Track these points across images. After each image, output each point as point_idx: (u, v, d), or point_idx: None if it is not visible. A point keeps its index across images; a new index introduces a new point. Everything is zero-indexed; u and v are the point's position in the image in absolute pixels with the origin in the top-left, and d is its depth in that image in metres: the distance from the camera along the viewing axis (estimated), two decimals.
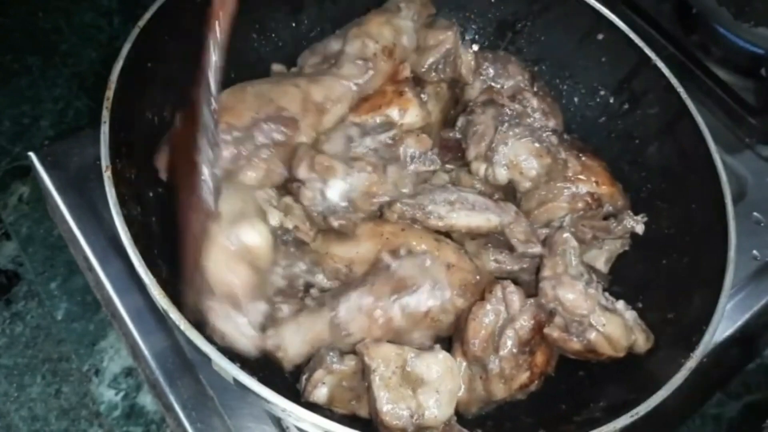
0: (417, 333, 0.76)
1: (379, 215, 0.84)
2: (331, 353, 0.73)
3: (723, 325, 0.92)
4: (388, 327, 0.75)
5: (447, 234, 0.83)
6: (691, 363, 0.70)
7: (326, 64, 0.89)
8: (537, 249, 0.82)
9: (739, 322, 0.97)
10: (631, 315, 0.78)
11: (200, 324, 0.66)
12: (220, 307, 0.68)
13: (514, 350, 0.73)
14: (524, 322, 0.74)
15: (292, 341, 0.73)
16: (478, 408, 0.77)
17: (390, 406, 0.68)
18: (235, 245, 0.69)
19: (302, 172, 0.78)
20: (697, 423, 1.04)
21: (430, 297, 0.75)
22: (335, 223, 0.77)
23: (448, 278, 0.77)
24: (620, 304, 0.79)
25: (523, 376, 0.74)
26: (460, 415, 0.76)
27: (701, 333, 0.72)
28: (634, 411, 0.66)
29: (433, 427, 0.70)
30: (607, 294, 0.79)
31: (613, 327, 0.74)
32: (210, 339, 0.64)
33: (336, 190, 0.78)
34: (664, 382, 0.68)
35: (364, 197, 0.79)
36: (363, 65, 0.86)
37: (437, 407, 0.69)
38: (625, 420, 0.66)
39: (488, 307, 0.75)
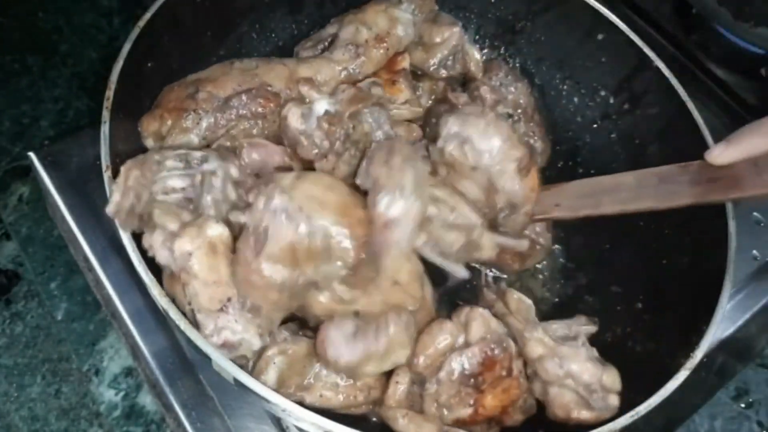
0: (311, 269, 0.65)
1: None
2: (285, 332, 0.70)
3: (723, 325, 0.93)
4: (274, 284, 0.65)
5: None
6: (691, 363, 0.70)
7: (321, 45, 0.89)
8: None
9: (739, 322, 0.97)
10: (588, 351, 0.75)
11: None
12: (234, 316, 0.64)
13: (453, 378, 0.70)
14: (471, 356, 0.70)
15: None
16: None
17: None
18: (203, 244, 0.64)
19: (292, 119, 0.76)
20: (696, 423, 1.03)
21: (290, 226, 0.64)
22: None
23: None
24: (582, 341, 0.75)
25: (463, 411, 0.70)
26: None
27: (701, 333, 0.72)
28: (634, 411, 0.67)
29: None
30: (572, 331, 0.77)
31: (614, 379, 0.72)
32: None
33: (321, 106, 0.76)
34: (664, 382, 0.68)
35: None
36: (354, 50, 0.86)
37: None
38: (625, 420, 0.66)
39: (448, 326, 0.71)
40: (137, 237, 0.68)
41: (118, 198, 0.66)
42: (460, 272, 0.75)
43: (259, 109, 0.79)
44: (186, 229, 0.64)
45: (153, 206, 0.67)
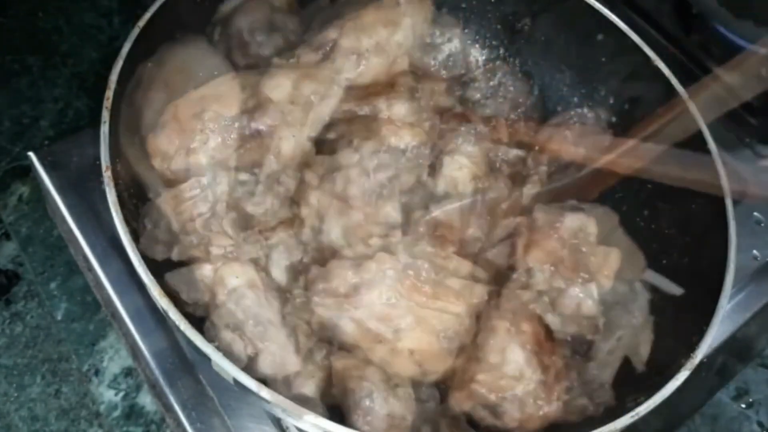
0: None
1: None
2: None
3: (723, 325, 0.92)
4: None
5: None
6: (692, 363, 0.70)
7: (321, 50, 0.89)
8: None
9: (739, 322, 0.97)
10: None
11: None
12: None
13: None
14: None
15: None
16: None
17: None
18: None
19: None
20: (697, 423, 1.03)
21: None
22: None
23: None
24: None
25: None
26: None
27: (701, 333, 0.72)
28: (634, 411, 0.66)
29: None
30: None
31: None
32: (210, 339, 0.64)
33: None
34: (664, 383, 0.68)
35: None
36: (356, 60, 0.86)
37: None
38: (625, 420, 0.66)
39: None
40: (137, 237, 0.68)
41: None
42: (675, 289, 0.80)
43: (266, 129, 0.79)
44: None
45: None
